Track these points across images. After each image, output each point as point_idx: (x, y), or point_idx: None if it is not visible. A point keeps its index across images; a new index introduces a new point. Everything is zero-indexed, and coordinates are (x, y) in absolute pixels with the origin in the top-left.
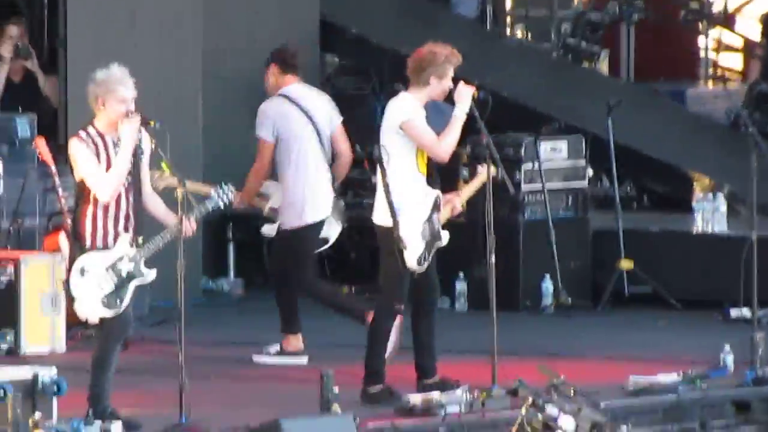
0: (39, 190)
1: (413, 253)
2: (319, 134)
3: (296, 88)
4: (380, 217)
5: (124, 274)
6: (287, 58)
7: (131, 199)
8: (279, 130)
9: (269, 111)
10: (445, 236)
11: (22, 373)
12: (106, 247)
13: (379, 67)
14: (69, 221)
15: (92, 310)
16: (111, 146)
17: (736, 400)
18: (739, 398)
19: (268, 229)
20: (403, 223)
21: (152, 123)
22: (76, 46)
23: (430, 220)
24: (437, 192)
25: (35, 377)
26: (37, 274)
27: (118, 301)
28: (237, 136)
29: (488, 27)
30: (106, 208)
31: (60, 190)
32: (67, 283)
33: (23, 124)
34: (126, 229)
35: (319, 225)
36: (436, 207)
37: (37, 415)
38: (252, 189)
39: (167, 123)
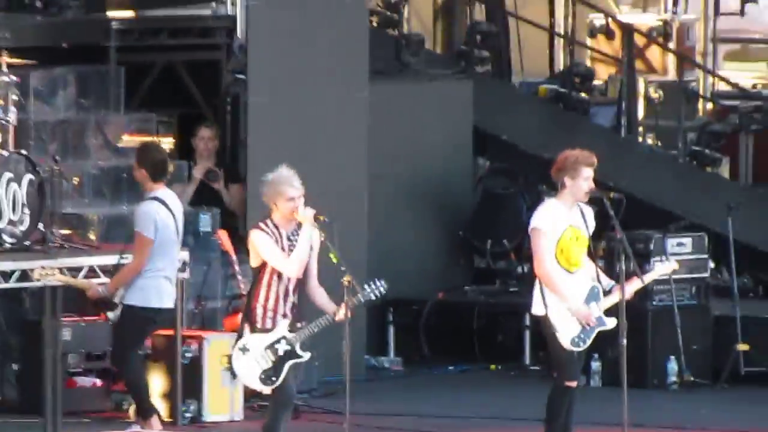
0: (220, 276)
1: (566, 336)
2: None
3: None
4: (535, 307)
5: (281, 354)
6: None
7: (298, 287)
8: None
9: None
10: (610, 322)
11: None
12: (269, 328)
13: (526, 170)
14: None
15: (251, 384)
16: (285, 238)
17: None
18: None
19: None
20: (551, 310)
21: (322, 218)
22: (256, 149)
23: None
24: (593, 283)
25: None
26: (219, 351)
27: (273, 378)
28: (400, 233)
29: (622, 135)
30: (276, 294)
31: (239, 277)
32: (229, 359)
33: (206, 219)
34: (287, 315)
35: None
36: (593, 296)
37: None
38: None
39: (336, 220)
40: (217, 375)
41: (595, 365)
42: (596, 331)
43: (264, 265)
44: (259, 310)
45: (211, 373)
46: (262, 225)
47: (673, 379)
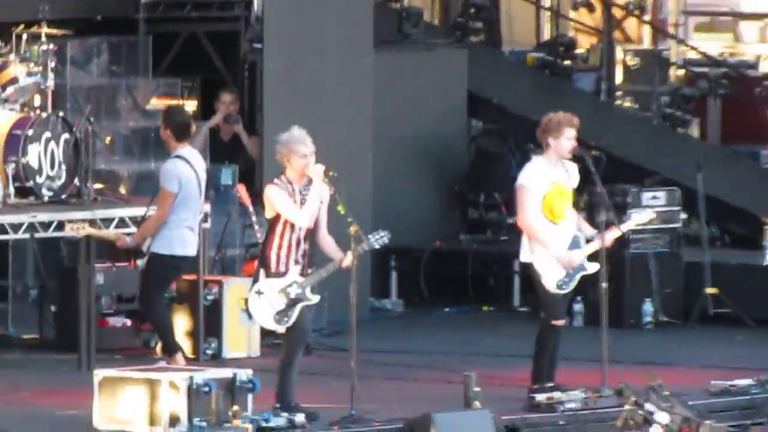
0: (239, 226)
1: (551, 279)
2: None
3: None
4: (523, 255)
5: (292, 297)
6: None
7: (308, 236)
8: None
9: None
10: (592, 267)
11: (223, 373)
12: (282, 273)
13: (515, 130)
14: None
15: (265, 324)
16: (298, 193)
17: None
18: None
19: None
20: (536, 258)
21: (331, 173)
22: (271, 111)
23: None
24: (575, 232)
25: (234, 377)
26: (237, 294)
27: (285, 318)
28: (401, 187)
29: (602, 99)
30: (289, 242)
31: (256, 227)
32: (246, 302)
33: (227, 174)
34: (299, 261)
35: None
36: (575, 244)
37: (235, 407)
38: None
39: (343, 176)
40: (235, 316)
41: (578, 307)
42: (579, 275)
43: (278, 216)
44: (273, 257)
45: (230, 314)
46: (276, 180)
47: (648, 319)
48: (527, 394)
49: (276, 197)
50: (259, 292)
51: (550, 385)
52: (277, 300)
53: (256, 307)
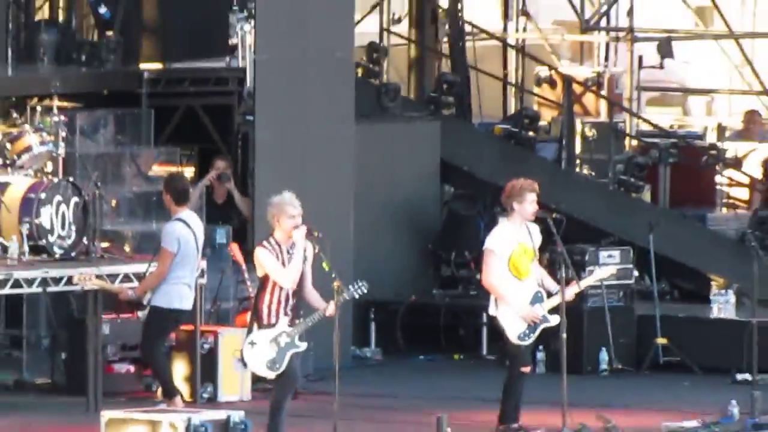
0: (232, 281)
1: (513, 332)
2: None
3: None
4: (490, 308)
5: (282, 345)
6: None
7: (296, 291)
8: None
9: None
10: (553, 319)
11: (218, 415)
12: (273, 324)
13: (483, 195)
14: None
15: (258, 371)
16: (285, 252)
17: None
18: None
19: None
20: (499, 312)
21: (316, 233)
22: (262, 177)
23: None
24: (538, 288)
25: (228, 418)
26: (231, 343)
27: (277, 365)
28: (380, 246)
29: (563, 166)
30: (278, 298)
31: (248, 282)
32: (241, 352)
33: (221, 233)
34: (287, 314)
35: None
36: (537, 299)
37: None
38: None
39: (327, 236)
40: (229, 363)
41: (540, 355)
42: (541, 327)
43: (267, 275)
44: (265, 310)
45: (224, 361)
46: (265, 243)
47: (604, 366)
48: None
49: (264, 259)
50: (252, 343)
51: (515, 425)
52: (268, 349)
53: (250, 356)
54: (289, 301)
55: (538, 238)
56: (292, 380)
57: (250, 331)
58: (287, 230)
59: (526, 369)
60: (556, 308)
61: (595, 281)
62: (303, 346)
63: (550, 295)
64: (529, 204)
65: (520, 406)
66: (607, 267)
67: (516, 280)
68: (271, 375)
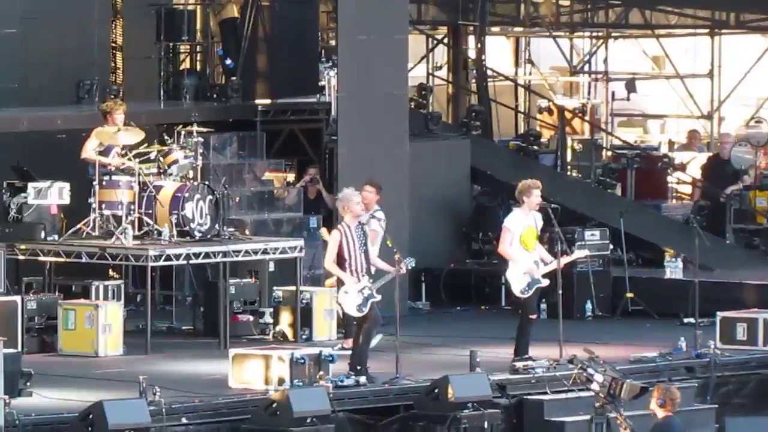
0: (322, 255)
1: (517, 288)
2: None
3: None
4: (507, 272)
5: (366, 295)
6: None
7: (366, 258)
8: None
9: None
10: (545, 281)
11: (313, 350)
12: (358, 281)
13: (501, 192)
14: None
15: (350, 311)
16: (352, 232)
17: (686, 366)
18: (688, 365)
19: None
20: (510, 275)
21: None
22: (343, 180)
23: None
24: (537, 259)
25: (320, 352)
26: (322, 299)
27: (363, 309)
28: (427, 229)
29: (558, 171)
30: (352, 265)
31: None
32: (338, 298)
33: (314, 221)
34: (365, 274)
35: None
36: (536, 264)
37: (321, 372)
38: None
39: (389, 222)
40: (321, 312)
41: (543, 306)
42: (536, 286)
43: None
44: (351, 272)
45: (317, 312)
46: (339, 226)
47: (589, 314)
48: (510, 363)
49: (331, 241)
50: (345, 292)
51: (526, 356)
52: (356, 297)
53: (344, 301)
54: (364, 265)
55: (540, 223)
56: (375, 320)
57: (341, 285)
58: (354, 217)
59: (533, 316)
60: (548, 274)
61: (579, 257)
62: (378, 297)
63: (545, 264)
64: (534, 198)
65: (529, 343)
66: (585, 249)
67: (525, 251)
68: (358, 314)
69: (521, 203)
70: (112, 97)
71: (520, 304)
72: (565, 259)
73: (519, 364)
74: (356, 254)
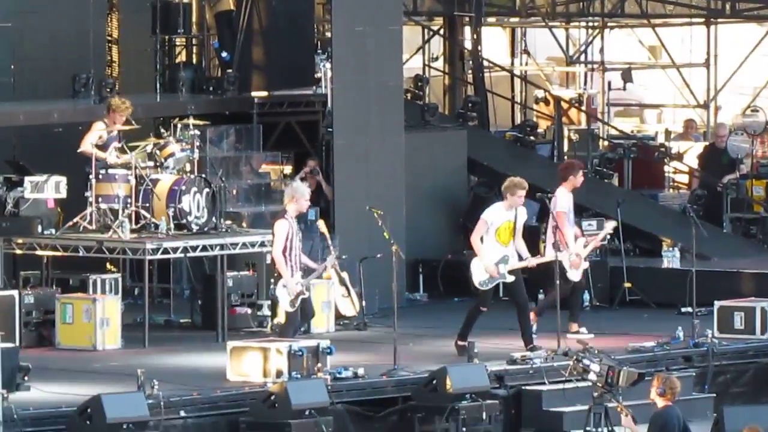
0: (320, 247)
1: (476, 279)
2: None
3: None
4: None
5: (297, 291)
6: None
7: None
8: None
9: None
10: (510, 277)
11: (311, 343)
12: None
13: (498, 182)
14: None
15: (284, 306)
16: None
17: (684, 355)
18: (686, 354)
19: None
20: (472, 264)
21: (378, 212)
22: (339, 171)
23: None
24: (507, 253)
25: (318, 345)
26: (319, 290)
27: (295, 304)
28: (424, 220)
29: (555, 161)
30: (291, 259)
31: (331, 248)
32: (274, 292)
33: (312, 212)
34: (299, 270)
35: None
36: (503, 261)
37: (319, 365)
38: None
39: (386, 214)
40: (318, 304)
41: (541, 296)
42: (498, 281)
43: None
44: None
45: (315, 304)
46: (286, 217)
47: (587, 303)
48: (509, 353)
49: (280, 230)
50: (283, 286)
51: (530, 346)
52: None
53: (281, 294)
54: (300, 260)
55: (522, 219)
56: (298, 318)
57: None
58: (302, 208)
59: (484, 309)
60: (514, 271)
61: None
62: (308, 294)
63: (522, 260)
64: (518, 197)
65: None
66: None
67: (498, 244)
68: (291, 309)
69: (504, 198)
70: (123, 100)
71: (477, 294)
72: (539, 259)
73: (517, 355)
74: (295, 247)
